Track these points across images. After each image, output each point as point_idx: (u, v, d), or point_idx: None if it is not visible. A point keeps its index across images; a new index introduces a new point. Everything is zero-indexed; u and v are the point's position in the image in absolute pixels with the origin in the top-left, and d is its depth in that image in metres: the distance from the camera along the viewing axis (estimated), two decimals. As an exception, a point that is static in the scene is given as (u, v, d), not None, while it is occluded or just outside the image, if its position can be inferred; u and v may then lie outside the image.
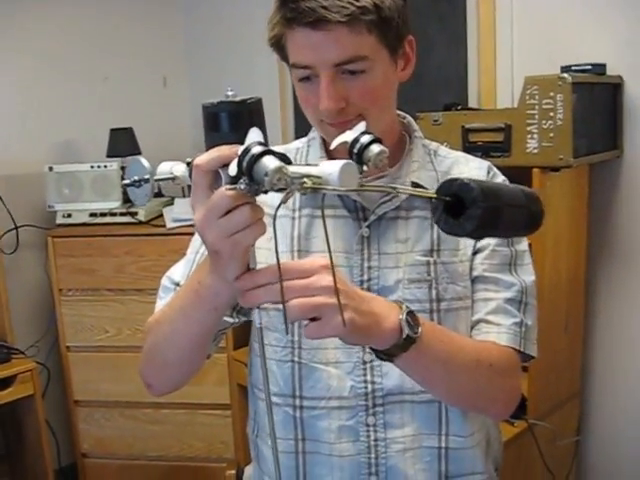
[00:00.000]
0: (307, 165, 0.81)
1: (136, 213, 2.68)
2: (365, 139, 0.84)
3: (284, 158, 0.76)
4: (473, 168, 1.21)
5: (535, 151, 1.83)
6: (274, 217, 0.79)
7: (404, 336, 0.90)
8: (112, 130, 2.84)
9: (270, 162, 0.73)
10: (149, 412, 2.75)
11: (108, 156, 2.82)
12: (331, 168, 0.76)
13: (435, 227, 1.13)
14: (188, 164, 0.85)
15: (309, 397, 1.13)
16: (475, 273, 1.14)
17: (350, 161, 0.78)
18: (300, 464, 1.16)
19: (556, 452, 2.08)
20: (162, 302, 1.14)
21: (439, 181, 1.14)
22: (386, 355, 0.92)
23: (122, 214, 2.70)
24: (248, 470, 1.33)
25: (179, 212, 2.59)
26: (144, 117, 3.08)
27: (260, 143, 0.75)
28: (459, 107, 2.13)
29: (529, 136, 1.84)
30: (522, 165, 1.85)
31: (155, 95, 3.30)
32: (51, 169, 2.75)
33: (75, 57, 3.02)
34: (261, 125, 0.82)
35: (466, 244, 1.15)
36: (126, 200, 2.76)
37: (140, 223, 2.69)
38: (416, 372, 1.00)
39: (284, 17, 1.02)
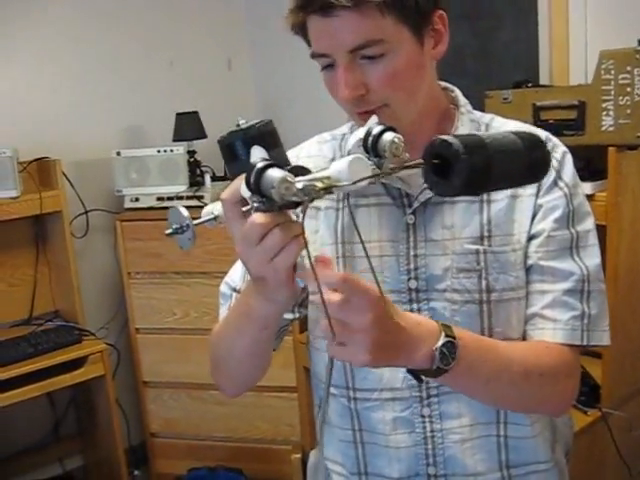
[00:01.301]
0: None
1: (202, 197, 2.70)
2: (376, 130, 0.82)
3: (299, 169, 0.78)
4: None
5: (611, 129, 1.76)
6: (302, 229, 0.79)
7: (434, 367, 0.89)
8: (178, 114, 2.85)
9: (274, 173, 0.74)
10: (216, 394, 2.77)
11: (174, 140, 2.84)
12: (339, 166, 0.78)
13: (485, 212, 1.06)
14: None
15: (362, 389, 1.11)
16: (530, 262, 1.06)
17: (358, 155, 0.79)
18: (360, 454, 1.16)
19: (631, 442, 2.00)
20: (223, 309, 1.16)
21: None
22: (415, 375, 0.93)
23: (189, 197, 2.72)
24: (314, 454, 1.32)
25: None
26: (209, 101, 3.09)
27: (264, 159, 0.76)
28: (530, 84, 2.06)
29: (604, 113, 1.76)
30: (597, 144, 1.78)
31: (220, 78, 3.31)
32: (119, 154, 2.79)
33: (140, 42, 3.05)
34: (276, 144, 0.83)
35: (520, 230, 1.06)
36: (192, 184, 2.78)
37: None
38: (456, 388, 1.02)
39: (298, 5, 0.99)
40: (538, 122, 1.88)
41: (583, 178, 1.81)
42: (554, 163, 1.08)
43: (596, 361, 1.94)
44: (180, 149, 2.76)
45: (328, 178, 0.78)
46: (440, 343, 0.88)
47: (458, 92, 1.15)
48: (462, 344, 0.90)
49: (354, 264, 1.08)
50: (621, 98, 1.73)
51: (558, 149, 1.11)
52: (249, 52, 3.40)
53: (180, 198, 2.71)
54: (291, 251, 0.79)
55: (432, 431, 1.10)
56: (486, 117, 1.16)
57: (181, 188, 2.74)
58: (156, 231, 2.71)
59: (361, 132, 0.84)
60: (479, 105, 1.28)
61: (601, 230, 1.80)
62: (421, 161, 0.78)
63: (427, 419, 1.09)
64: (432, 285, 1.04)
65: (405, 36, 0.98)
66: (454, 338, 0.89)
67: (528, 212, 1.07)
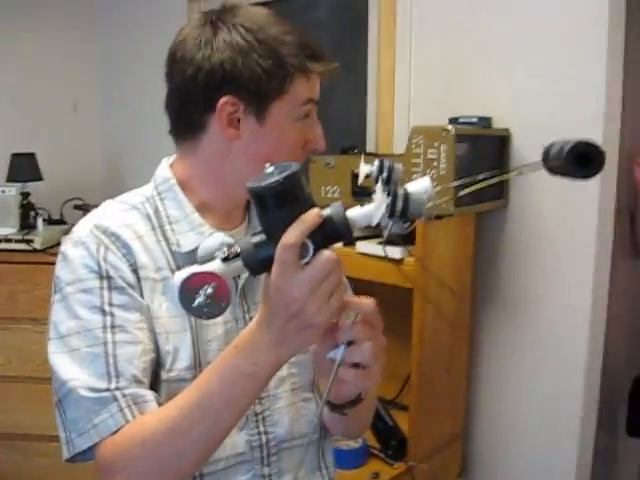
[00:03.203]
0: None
1: (32, 241, 2.63)
2: (387, 162, 0.85)
3: None
4: None
5: (419, 199, 1.89)
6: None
7: (362, 395, 0.99)
8: (13, 154, 2.79)
9: (419, 186, 0.81)
10: (37, 444, 2.67)
11: (7, 181, 2.77)
12: (424, 184, 0.82)
13: None
14: (225, 259, 0.83)
15: (208, 462, 1.04)
16: None
17: (425, 176, 0.85)
18: None
19: (436, 494, 2.11)
20: (106, 415, 0.95)
21: None
22: (339, 409, 1.00)
23: (18, 241, 2.65)
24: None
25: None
26: (51, 143, 3.04)
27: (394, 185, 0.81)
28: (356, 151, 2.18)
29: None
30: (407, 212, 1.90)
31: (64, 121, 3.26)
32: (-53, 192, 2.69)
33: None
34: (303, 190, 0.82)
35: None
36: (24, 226, 2.71)
37: (36, 251, 2.64)
38: (353, 418, 1.08)
39: (311, 62, 1.07)
40: (356, 188, 2.00)
41: (395, 243, 1.97)
42: None
43: (401, 413, 2.06)
44: (12, 190, 2.69)
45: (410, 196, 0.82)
46: None
47: None
48: None
49: (203, 333, 1.07)
50: (428, 171, 1.87)
51: None
52: (96, 97, 3.38)
53: (9, 241, 2.63)
54: (344, 287, 0.84)
55: None
56: None
57: (11, 230, 2.67)
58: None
59: (367, 168, 0.88)
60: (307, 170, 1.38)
61: (408, 292, 1.94)
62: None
63: (267, 478, 1.11)
64: None
65: None
66: None
67: None
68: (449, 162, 1.84)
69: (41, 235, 2.65)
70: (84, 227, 1.06)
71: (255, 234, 0.84)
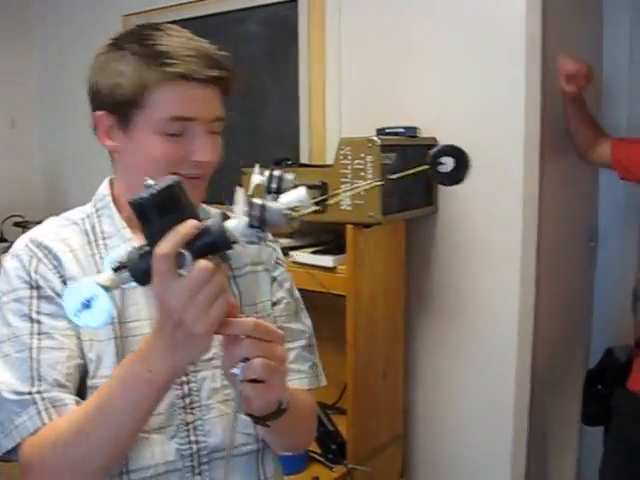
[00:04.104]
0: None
1: (-31, 259, 2.61)
2: (277, 173, 0.86)
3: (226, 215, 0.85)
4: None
5: (348, 208, 1.95)
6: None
7: (282, 407, 1.01)
8: (-51, 173, 2.78)
9: (276, 206, 0.83)
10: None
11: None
12: (297, 195, 0.85)
13: (233, 286, 1.19)
14: (116, 269, 0.85)
15: (136, 469, 1.09)
16: (276, 324, 1.21)
17: (302, 186, 0.87)
18: None
19: (377, 496, 2.16)
20: (25, 417, 1.01)
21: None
22: (262, 420, 1.01)
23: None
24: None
25: None
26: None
27: (251, 198, 0.83)
28: (290, 162, 2.22)
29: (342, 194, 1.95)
30: (337, 221, 1.96)
31: (1, 137, 3.24)
32: None
33: None
34: (180, 202, 0.85)
35: (264, 298, 1.24)
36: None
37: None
38: (279, 430, 1.08)
39: (177, 70, 1.04)
40: (288, 199, 2.04)
41: (327, 252, 2.01)
42: (271, 244, 1.31)
43: (342, 418, 2.10)
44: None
45: (296, 207, 0.84)
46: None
47: None
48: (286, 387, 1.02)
49: (128, 344, 1.09)
50: (356, 181, 1.92)
51: (269, 234, 1.31)
52: (34, 111, 3.37)
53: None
54: (226, 297, 0.85)
55: None
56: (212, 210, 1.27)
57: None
58: None
59: (258, 178, 0.88)
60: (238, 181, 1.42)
61: (341, 299, 1.99)
62: (426, 166, 0.98)
63: None
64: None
65: None
66: None
67: (267, 284, 1.26)
68: (375, 172, 1.90)
69: (-21, 254, 2.63)
70: (21, 241, 1.13)
71: (143, 246, 0.87)
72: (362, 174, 1.92)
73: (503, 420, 2.17)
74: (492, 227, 2.15)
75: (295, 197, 0.85)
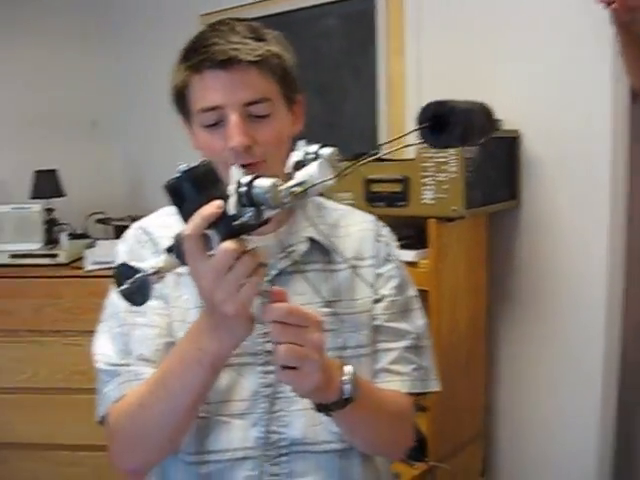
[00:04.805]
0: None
1: (56, 255, 2.70)
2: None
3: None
4: (360, 221, 1.26)
5: (431, 202, 1.92)
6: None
7: (344, 397, 0.98)
8: (36, 172, 2.86)
9: (264, 182, 0.81)
10: (66, 454, 2.73)
11: (32, 198, 2.84)
12: (310, 170, 0.85)
13: (332, 280, 1.18)
14: (169, 250, 0.87)
15: (214, 450, 1.12)
16: (377, 322, 1.19)
17: (321, 160, 0.86)
18: None
19: (456, 495, 2.13)
20: (111, 386, 1.10)
21: (330, 234, 1.20)
22: (325, 409, 1.00)
23: (43, 255, 2.71)
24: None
25: (100, 254, 2.61)
26: (71, 160, 3.10)
27: (246, 174, 0.82)
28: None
29: (425, 187, 1.93)
30: (419, 215, 1.94)
31: (84, 138, 3.33)
32: (-27, 209, 2.76)
33: (2, 97, 3.04)
34: (218, 180, 0.86)
35: (364, 295, 1.20)
36: (48, 242, 2.78)
37: (60, 265, 2.70)
38: (348, 424, 1.07)
39: (193, 62, 1.07)
40: (369, 194, 2.03)
41: (409, 246, 1.99)
42: (384, 240, 1.26)
43: (422, 415, 2.08)
44: (36, 207, 2.76)
45: (303, 182, 0.84)
46: (350, 374, 0.99)
47: None
48: (359, 379, 1.01)
49: None
50: (439, 175, 1.90)
51: (384, 229, 1.28)
52: (114, 111, 3.44)
53: (34, 256, 2.70)
54: (258, 278, 0.84)
55: None
56: (317, 198, 1.26)
57: (36, 246, 2.73)
58: (9, 288, 2.68)
59: (298, 155, 0.89)
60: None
61: (424, 294, 1.96)
62: (414, 128, 0.92)
63: (275, 478, 1.12)
64: None
65: (282, 104, 1.12)
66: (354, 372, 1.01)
67: (369, 280, 1.21)
68: (459, 165, 1.88)
69: (65, 249, 2.71)
70: (131, 227, 1.23)
71: None
72: (444, 167, 1.89)
73: (588, 424, 2.11)
74: (578, 222, 2.09)
75: (305, 172, 0.85)
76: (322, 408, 1.00)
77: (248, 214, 0.81)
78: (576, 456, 2.15)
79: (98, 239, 2.82)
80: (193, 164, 0.84)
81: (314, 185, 0.85)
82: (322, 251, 1.19)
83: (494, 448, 2.35)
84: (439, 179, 1.90)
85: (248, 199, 0.81)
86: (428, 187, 1.92)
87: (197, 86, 1.08)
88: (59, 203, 2.91)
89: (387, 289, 1.22)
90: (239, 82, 1.06)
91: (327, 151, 0.88)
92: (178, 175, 0.84)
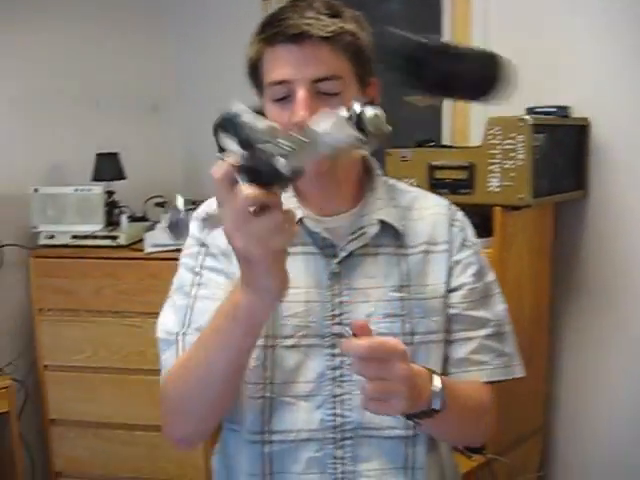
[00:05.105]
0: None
1: (117, 237, 2.73)
2: (357, 106, 0.83)
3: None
4: (433, 205, 1.24)
5: (497, 190, 1.88)
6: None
7: (434, 407, 0.99)
8: (98, 155, 2.89)
9: (371, 110, 0.81)
10: (121, 433, 2.76)
11: (93, 180, 2.88)
12: (323, 125, 0.83)
13: (403, 264, 1.16)
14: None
15: (279, 431, 1.12)
16: (454, 311, 1.18)
17: (336, 119, 0.83)
18: None
19: (516, 488, 2.10)
20: (167, 354, 1.14)
21: (402, 217, 1.19)
22: (412, 417, 1.00)
23: (104, 237, 2.74)
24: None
25: (159, 237, 2.63)
26: (132, 143, 3.13)
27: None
28: (431, 144, 2.18)
29: (491, 175, 1.89)
30: (484, 203, 1.90)
31: (145, 121, 3.36)
32: (36, 190, 2.80)
33: (66, 81, 3.08)
34: (241, 129, 0.84)
35: (436, 281, 1.18)
36: (109, 223, 2.81)
37: (120, 247, 2.73)
38: (435, 426, 1.07)
39: (267, 35, 1.07)
40: (433, 180, 2.00)
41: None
42: (458, 224, 1.23)
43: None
44: (98, 189, 2.79)
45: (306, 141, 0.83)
46: (438, 385, 0.99)
47: (369, 156, 1.25)
48: (446, 384, 1.01)
49: (280, 309, 1.11)
50: (506, 162, 1.86)
51: (459, 213, 1.25)
52: (176, 96, 3.47)
53: (95, 237, 2.73)
54: (290, 233, 0.83)
55: (343, 472, 1.13)
56: (390, 180, 1.26)
57: (97, 227, 2.76)
58: (69, 269, 2.72)
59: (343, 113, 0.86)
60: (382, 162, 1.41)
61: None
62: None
63: (339, 460, 1.12)
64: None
65: (354, 85, 1.10)
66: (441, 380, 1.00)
67: (443, 266, 1.19)
68: (526, 152, 1.83)
69: (125, 231, 2.74)
70: (205, 205, 1.22)
71: None
72: (512, 154, 1.85)
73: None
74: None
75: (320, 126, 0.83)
76: (409, 416, 1.00)
77: (280, 163, 0.79)
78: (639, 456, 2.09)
79: (156, 222, 2.84)
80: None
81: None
82: (394, 234, 1.17)
83: (553, 442, 2.30)
84: (506, 167, 1.86)
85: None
86: (494, 174, 1.88)
87: (269, 59, 1.08)
88: (119, 186, 2.94)
89: (465, 277, 1.19)
90: (310, 57, 1.05)
91: (371, 111, 0.84)
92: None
